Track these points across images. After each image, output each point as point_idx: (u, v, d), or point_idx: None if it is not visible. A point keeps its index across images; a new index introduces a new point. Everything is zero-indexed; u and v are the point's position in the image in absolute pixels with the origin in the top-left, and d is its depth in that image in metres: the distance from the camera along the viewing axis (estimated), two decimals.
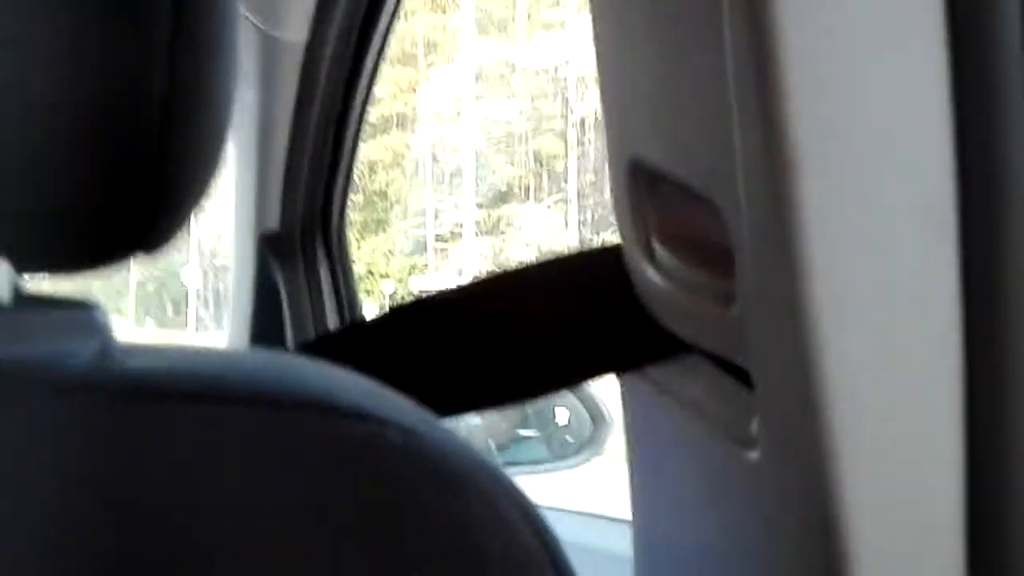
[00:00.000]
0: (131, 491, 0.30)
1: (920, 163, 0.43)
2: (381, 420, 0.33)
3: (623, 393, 0.58)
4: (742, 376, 0.49)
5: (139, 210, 0.34)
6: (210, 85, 0.34)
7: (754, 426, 0.48)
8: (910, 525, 0.45)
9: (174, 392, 0.32)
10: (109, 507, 0.30)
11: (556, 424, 1.50)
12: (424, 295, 0.55)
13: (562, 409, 1.48)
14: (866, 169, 0.42)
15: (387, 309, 0.55)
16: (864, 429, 0.44)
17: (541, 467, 1.46)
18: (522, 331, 0.53)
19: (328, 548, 0.31)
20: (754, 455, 0.48)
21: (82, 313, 0.34)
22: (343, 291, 1.34)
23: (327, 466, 0.32)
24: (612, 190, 0.53)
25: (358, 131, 1.23)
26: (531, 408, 1.48)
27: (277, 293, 1.31)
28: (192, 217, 0.36)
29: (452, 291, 0.54)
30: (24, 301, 0.34)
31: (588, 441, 1.50)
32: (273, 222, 1.29)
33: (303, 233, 1.30)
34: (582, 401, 1.49)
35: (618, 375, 0.57)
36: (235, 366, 0.35)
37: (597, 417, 1.50)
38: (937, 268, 0.43)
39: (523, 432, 1.54)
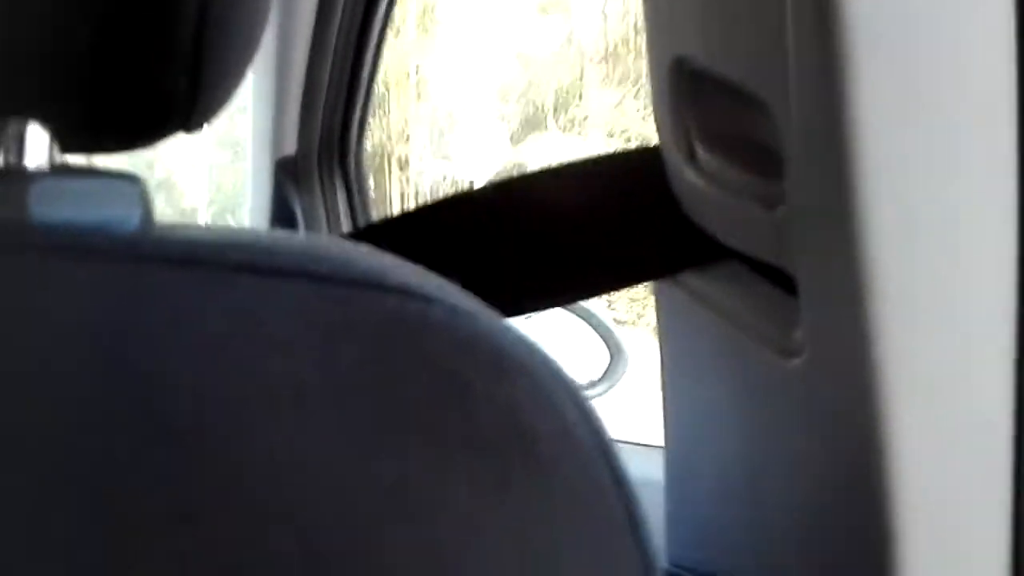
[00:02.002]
0: (168, 361, 0.29)
1: (983, 68, 0.41)
2: (428, 298, 0.32)
3: (657, 304, 0.56)
4: (783, 284, 0.48)
5: (180, 88, 0.33)
6: None
7: (797, 334, 0.47)
8: (955, 449, 0.44)
9: (220, 262, 0.31)
10: (143, 375, 0.29)
11: None
12: (464, 190, 0.54)
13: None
14: (927, 67, 0.41)
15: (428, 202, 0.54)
16: (914, 343, 0.43)
17: None
18: (557, 233, 0.52)
19: (371, 425, 0.30)
20: (796, 363, 0.47)
21: (123, 183, 0.33)
22: (360, 219, 1.33)
23: (372, 342, 0.31)
24: (653, 91, 0.51)
25: (377, 55, 1.21)
26: None
27: (294, 219, 1.30)
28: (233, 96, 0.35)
29: (491, 187, 0.53)
30: (65, 170, 0.33)
31: (605, 373, 1.49)
32: (290, 148, 1.28)
33: (320, 159, 1.28)
34: (598, 332, 1.49)
35: (654, 285, 0.55)
36: (282, 242, 0.34)
37: (614, 349, 1.50)
38: (997, 179, 0.42)
39: None
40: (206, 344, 0.30)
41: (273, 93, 1.25)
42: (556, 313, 1.47)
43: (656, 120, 0.51)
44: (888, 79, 0.40)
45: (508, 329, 0.33)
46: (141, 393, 0.29)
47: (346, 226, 1.30)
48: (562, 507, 0.32)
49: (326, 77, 1.21)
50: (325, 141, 1.27)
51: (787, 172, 0.44)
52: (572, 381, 0.33)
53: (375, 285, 0.32)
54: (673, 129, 0.50)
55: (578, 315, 1.48)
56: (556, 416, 0.32)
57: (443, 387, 0.31)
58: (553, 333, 1.48)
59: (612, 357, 1.50)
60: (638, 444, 1.08)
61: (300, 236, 0.37)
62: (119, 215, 0.32)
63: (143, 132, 0.34)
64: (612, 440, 0.34)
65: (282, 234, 0.34)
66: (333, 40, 1.19)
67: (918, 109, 0.41)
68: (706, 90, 0.48)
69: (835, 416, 0.46)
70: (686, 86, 0.49)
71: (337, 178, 1.31)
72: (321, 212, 1.29)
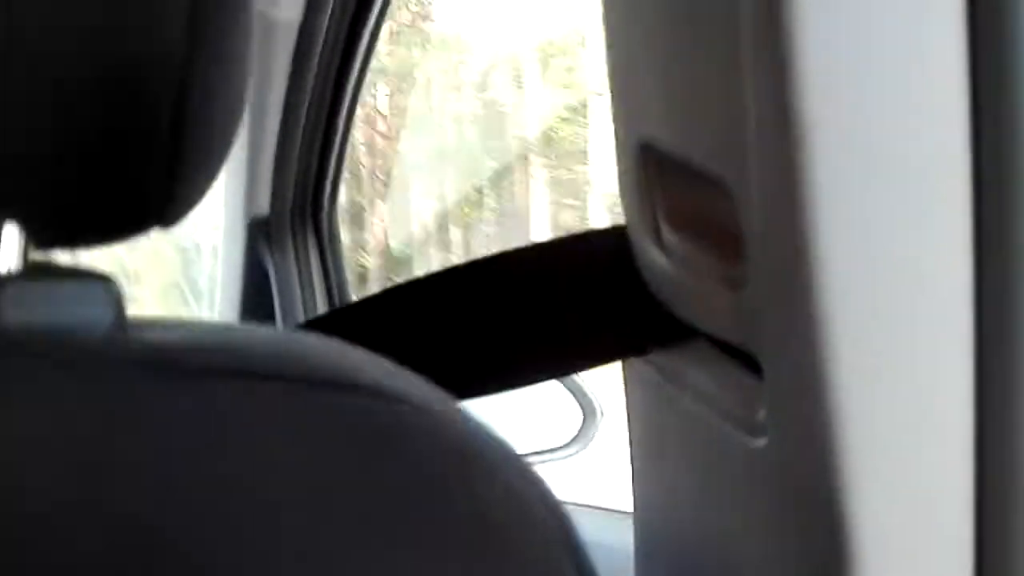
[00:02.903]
0: (144, 467, 0.29)
1: (936, 148, 0.42)
2: (401, 398, 0.32)
3: (626, 379, 0.57)
4: (749, 363, 0.48)
5: (155, 182, 0.33)
6: (229, 54, 0.33)
7: (761, 413, 0.47)
8: (918, 521, 0.44)
9: (192, 366, 0.31)
10: (121, 483, 0.29)
11: None
12: (422, 275, 0.54)
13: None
14: (883, 153, 0.41)
15: (385, 288, 0.54)
16: (875, 420, 0.43)
17: (530, 458, 1.45)
18: (525, 313, 0.52)
19: (343, 527, 0.30)
20: (760, 443, 0.47)
21: (96, 285, 0.32)
22: (333, 277, 1.33)
23: (346, 444, 0.31)
24: (619, 172, 0.52)
25: (351, 115, 1.22)
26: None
27: (267, 279, 1.30)
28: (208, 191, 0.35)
29: (452, 270, 0.53)
30: (36, 271, 0.33)
31: (578, 433, 1.49)
32: (263, 207, 1.28)
33: (293, 218, 1.29)
34: (572, 392, 1.49)
35: (622, 361, 0.56)
36: (255, 342, 0.34)
37: (587, 409, 1.50)
38: (952, 255, 0.42)
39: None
40: (180, 450, 0.30)
41: (246, 151, 1.26)
42: None
43: (622, 201, 0.52)
44: (849, 166, 0.41)
45: (481, 429, 0.33)
46: (116, 501, 0.29)
47: (319, 285, 1.30)
48: None
49: (299, 138, 1.22)
50: (298, 201, 1.27)
51: (748, 254, 0.45)
52: (542, 481, 0.34)
53: (347, 386, 0.32)
54: (639, 210, 0.50)
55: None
56: (528, 518, 0.33)
57: (415, 487, 0.31)
58: (524, 393, 1.48)
59: (585, 416, 1.49)
60: (612, 511, 1.07)
61: (270, 332, 0.37)
62: (91, 317, 0.32)
63: (119, 227, 0.34)
64: (578, 534, 0.34)
65: (253, 331, 0.34)
66: (306, 100, 1.20)
67: (878, 192, 0.42)
68: (671, 172, 0.49)
69: (799, 496, 0.46)
70: (652, 168, 0.50)
71: (310, 237, 1.31)
72: (294, 272, 1.29)
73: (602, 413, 1.51)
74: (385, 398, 0.32)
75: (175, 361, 0.31)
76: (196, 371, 0.31)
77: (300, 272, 1.30)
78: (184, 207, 0.34)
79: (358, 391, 0.32)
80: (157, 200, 0.34)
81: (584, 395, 1.49)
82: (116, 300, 0.33)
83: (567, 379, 1.46)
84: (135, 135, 0.32)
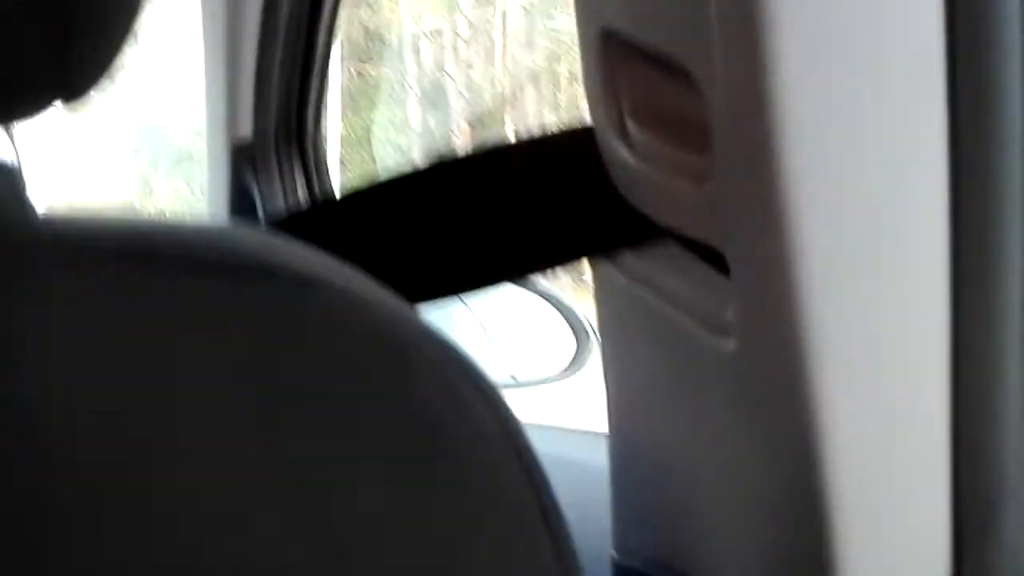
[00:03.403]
0: (45, 355, 0.28)
1: (910, 29, 0.40)
2: (320, 285, 0.31)
3: (595, 284, 0.55)
4: (717, 263, 0.47)
5: (55, 54, 0.31)
6: None
7: (729, 312, 0.46)
8: (891, 419, 0.43)
9: (97, 251, 0.29)
10: (22, 370, 0.28)
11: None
12: (393, 174, 0.52)
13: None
14: (850, 34, 0.39)
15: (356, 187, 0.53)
16: (843, 316, 0.41)
17: (521, 382, 1.45)
18: (491, 213, 0.50)
19: (262, 419, 0.28)
20: (730, 345, 0.46)
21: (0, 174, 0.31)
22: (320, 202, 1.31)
23: (260, 332, 0.30)
24: (583, 65, 0.50)
25: (330, 33, 1.19)
26: None
27: (254, 206, 1.28)
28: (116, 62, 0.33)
29: (421, 170, 0.52)
30: None
31: (573, 358, 1.48)
32: (246, 131, 1.26)
33: (277, 142, 1.26)
34: (564, 317, 1.48)
35: (590, 262, 0.54)
36: (166, 230, 0.32)
37: (580, 333, 1.49)
38: (926, 148, 0.40)
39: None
40: (84, 331, 0.28)
41: (225, 77, 1.23)
42: (524, 298, 1.46)
43: (587, 96, 0.50)
44: (812, 49, 0.39)
45: (407, 316, 0.32)
46: (11, 386, 0.27)
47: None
48: (470, 499, 0.31)
49: (278, 57, 1.19)
50: (281, 124, 1.25)
51: (714, 145, 0.43)
52: (479, 371, 0.32)
53: (262, 273, 0.30)
54: (604, 104, 0.48)
55: (544, 298, 1.47)
56: (458, 408, 0.31)
57: (334, 377, 0.29)
58: (519, 317, 1.47)
59: (579, 341, 1.49)
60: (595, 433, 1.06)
61: (195, 222, 0.35)
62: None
63: (18, 103, 0.32)
64: (522, 429, 0.33)
65: (172, 220, 0.33)
66: (284, 17, 1.17)
67: (843, 79, 0.40)
68: (635, 62, 0.47)
69: (767, 397, 0.45)
70: (615, 58, 0.47)
71: (295, 161, 1.29)
72: (280, 197, 1.27)
73: (596, 337, 1.50)
74: (301, 285, 0.30)
75: (75, 246, 0.29)
76: (98, 256, 0.29)
77: (287, 198, 1.28)
78: (89, 79, 0.32)
79: (272, 277, 0.30)
80: (58, 72, 0.31)
81: (576, 320, 1.48)
82: (20, 190, 0.31)
83: (560, 303, 1.45)
84: (29, 4, 0.30)
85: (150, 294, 0.29)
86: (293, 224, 0.58)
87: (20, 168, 0.32)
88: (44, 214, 0.32)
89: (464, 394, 0.32)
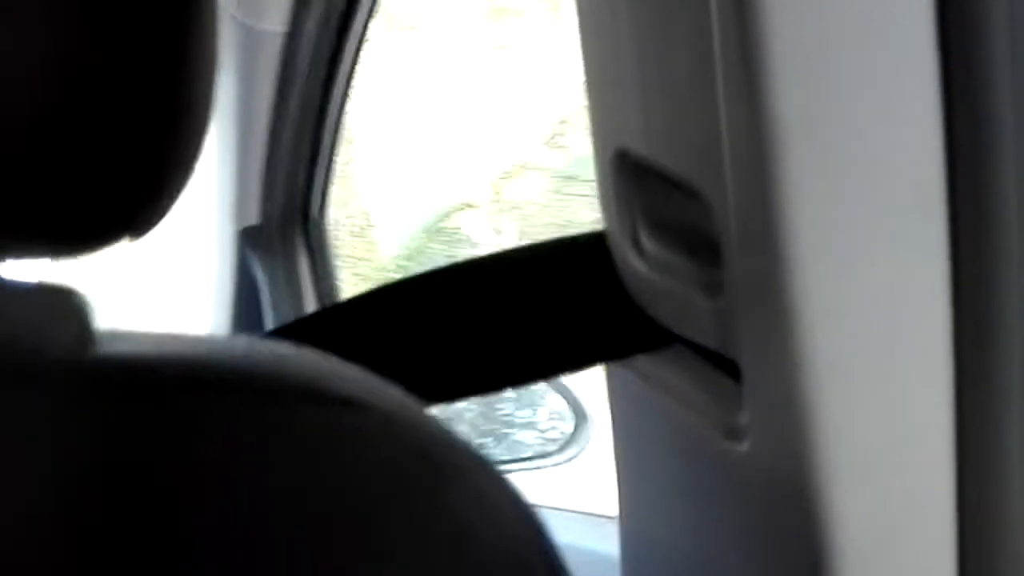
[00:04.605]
0: (109, 484, 0.30)
1: (909, 153, 0.42)
2: (366, 407, 0.32)
3: (608, 384, 0.57)
4: (729, 367, 0.49)
5: (125, 192, 0.33)
6: (194, 57, 0.33)
7: (742, 417, 0.48)
8: (898, 522, 0.44)
9: (156, 379, 0.31)
10: (86, 501, 0.29)
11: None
12: (402, 277, 0.54)
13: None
14: (855, 157, 0.42)
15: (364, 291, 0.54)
16: (853, 423, 0.43)
17: (524, 464, 1.45)
18: (505, 318, 0.52)
19: (311, 537, 0.30)
20: (742, 447, 0.48)
21: (60, 297, 0.33)
22: (325, 288, 1.33)
23: (311, 454, 0.31)
24: (598, 180, 0.52)
25: (339, 123, 1.22)
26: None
27: (257, 289, 1.30)
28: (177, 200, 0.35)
29: (433, 273, 0.54)
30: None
31: (570, 439, 1.49)
32: (253, 216, 1.28)
33: (283, 227, 1.29)
34: (563, 397, 1.49)
35: (604, 365, 0.56)
36: (218, 353, 0.34)
37: (579, 414, 1.49)
38: (927, 259, 0.43)
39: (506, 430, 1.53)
40: (145, 463, 0.30)
41: (235, 161, 1.26)
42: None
43: (602, 208, 0.52)
44: (819, 170, 0.42)
45: (449, 437, 0.33)
46: (89, 515, 0.29)
47: (310, 295, 1.30)
48: None
49: (287, 146, 1.22)
50: (288, 210, 1.28)
51: (725, 261, 0.45)
52: (516, 490, 0.34)
53: (312, 395, 0.32)
54: (618, 217, 0.51)
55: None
56: (498, 527, 0.33)
57: (381, 497, 0.31)
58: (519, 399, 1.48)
59: (577, 422, 1.49)
60: (599, 515, 1.07)
61: (243, 342, 0.37)
62: (52, 333, 0.32)
63: (86, 238, 0.34)
64: (550, 536, 0.34)
65: (224, 342, 0.35)
66: (295, 109, 1.20)
67: (850, 196, 0.42)
68: (649, 180, 0.49)
69: (778, 500, 0.46)
70: (630, 176, 0.50)
71: (300, 246, 1.31)
72: (284, 282, 1.29)
73: (593, 418, 1.51)
74: (350, 407, 0.32)
75: (135, 374, 0.31)
76: (156, 384, 0.31)
77: (291, 282, 1.30)
78: (154, 216, 0.34)
79: (322, 400, 0.32)
80: (126, 209, 0.33)
81: (575, 401, 1.49)
82: (81, 312, 0.33)
83: (559, 384, 1.46)
84: (101, 145, 0.32)
85: (208, 421, 0.31)
86: (302, 330, 0.58)
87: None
88: (101, 336, 0.34)
89: (493, 499, 0.33)
